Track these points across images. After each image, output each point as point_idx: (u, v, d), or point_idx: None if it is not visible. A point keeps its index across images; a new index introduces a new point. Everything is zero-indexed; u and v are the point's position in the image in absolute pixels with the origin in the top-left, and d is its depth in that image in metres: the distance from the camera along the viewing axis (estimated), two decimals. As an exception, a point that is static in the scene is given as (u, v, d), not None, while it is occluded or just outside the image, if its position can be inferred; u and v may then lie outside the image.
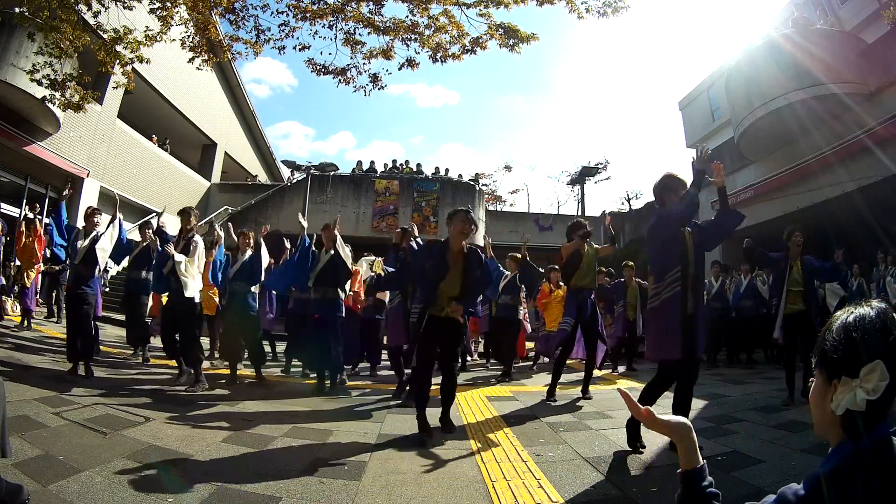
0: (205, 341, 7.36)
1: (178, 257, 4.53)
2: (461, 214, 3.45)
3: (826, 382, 0.83)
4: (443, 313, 3.35)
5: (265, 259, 5.09)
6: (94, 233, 4.79)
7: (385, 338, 4.75)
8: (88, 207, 5.07)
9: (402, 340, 4.50)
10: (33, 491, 2.00)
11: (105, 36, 6.32)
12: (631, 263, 7.38)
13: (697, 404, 4.38)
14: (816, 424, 0.88)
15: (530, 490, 2.38)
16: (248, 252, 5.14)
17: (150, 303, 5.89)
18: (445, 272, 3.37)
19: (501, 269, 6.46)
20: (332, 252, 4.83)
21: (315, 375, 4.94)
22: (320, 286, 4.83)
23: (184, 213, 4.78)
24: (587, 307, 4.61)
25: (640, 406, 1.00)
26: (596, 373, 6.64)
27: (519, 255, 6.19)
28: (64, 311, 7.88)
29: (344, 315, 4.98)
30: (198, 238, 4.77)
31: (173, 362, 4.89)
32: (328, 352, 4.76)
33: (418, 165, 17.98)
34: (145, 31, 6.28)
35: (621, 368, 7.02)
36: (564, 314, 4.74)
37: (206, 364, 6.11)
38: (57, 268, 7.49)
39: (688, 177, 3.17)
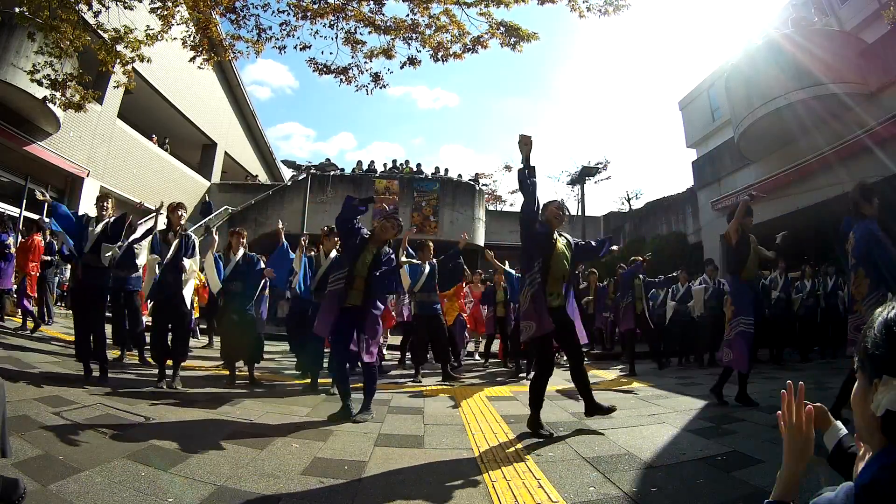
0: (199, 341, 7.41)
1: (186, 262, 4.54)
2: (554, 202, 3.69)
3: (868, 383, 0.78)
4: (557, 302, 3.51)
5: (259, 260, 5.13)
6: (106, 220, 4.64)
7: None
8: (100, 193, 5.04)
9: (328, 332, 3.67)
10: (33, 491, 2.00)
11: (105, 35, 6.33)
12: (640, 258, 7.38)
13: (697, 404, 4.39)
14: (858, 429, 0.83)
15: (530, 490, 2.38)
16: (241, 251, 5.13)
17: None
18: (552, 252, 3.51)
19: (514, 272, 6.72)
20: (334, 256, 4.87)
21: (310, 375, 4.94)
22: (321, 291, 4.83)
23: (177, 209, 4.64)
24: (760, 301, 4.33)
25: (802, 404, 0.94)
26: (603, 374, 6.68)
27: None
28: (52, 310, 7.84)
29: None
30: (194, 238, 4.75)
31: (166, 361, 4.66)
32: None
33: (418, 165, 18.00)
34: (146, 31, 6.28)
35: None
36: (740, 313, 4.13)
37: (208, 364, 6.16)
38: (47, 258, 7.39)
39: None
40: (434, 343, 5.93)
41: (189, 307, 4.80)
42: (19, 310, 8.20)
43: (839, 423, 0.99)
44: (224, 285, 5.12)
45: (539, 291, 3.39)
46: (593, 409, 3.62)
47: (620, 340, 7.25)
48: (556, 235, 3.62)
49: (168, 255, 4.50)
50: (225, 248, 5.33)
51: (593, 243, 4.00)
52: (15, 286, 6.94)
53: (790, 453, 0.92)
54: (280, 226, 5.34)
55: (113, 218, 4.67)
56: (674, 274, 8.03)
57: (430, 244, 6.18)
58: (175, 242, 4.53)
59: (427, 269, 5.86)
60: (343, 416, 3.56)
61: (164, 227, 4.74)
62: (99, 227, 4.59)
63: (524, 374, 6.27)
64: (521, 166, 3.45)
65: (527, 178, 3.44)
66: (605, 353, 8.75)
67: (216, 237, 5.49)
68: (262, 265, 5.21)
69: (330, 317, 3.61)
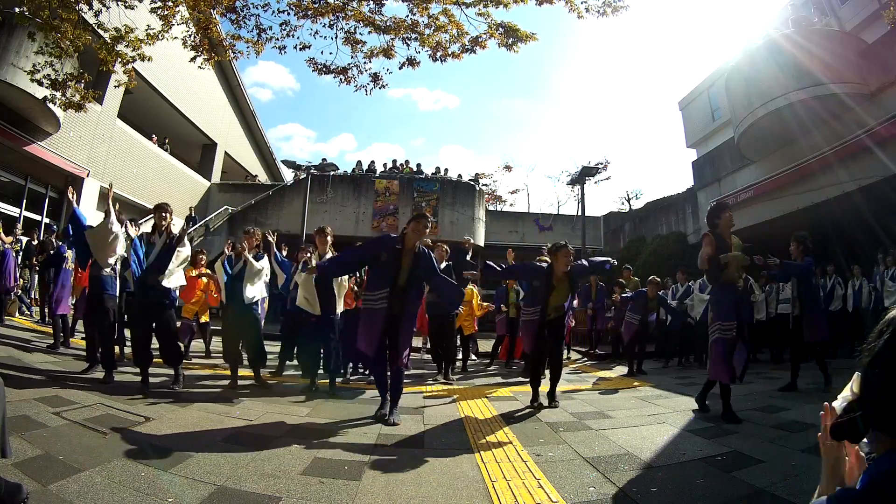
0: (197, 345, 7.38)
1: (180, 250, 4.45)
2: (564, 249, 4.41)
3: None
4: (554, 315, 4.40)
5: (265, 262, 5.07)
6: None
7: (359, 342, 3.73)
8: (117, 213, 4.98)
9: (375, 347, 3.62)
10: (33, 491, 2.00)
11: (106, 35, 6.32)
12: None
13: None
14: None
15: (530, 490, 2.38)
16: (251, 252, 5.06)
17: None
18: (552, 290, 4.36)
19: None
20: (329, 256, 4.83)
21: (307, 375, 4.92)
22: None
23: (160, 210, 4.52)
24: (744, 304, 4.06)
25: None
26: (608, 374, 6.68)
27: (549, 260, 6.37)
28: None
29: (338, 316, 4.96)
30: (176, 234, 4.68)
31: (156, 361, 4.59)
32: (327, 354, 4.75)
33: (418, 165, 17.97)
34: (146, 30, 6.28)
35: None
36: (718, 318, 3.95)
37: (208, 365, 6.16)
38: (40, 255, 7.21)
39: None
40: (440, 342, 5.91)
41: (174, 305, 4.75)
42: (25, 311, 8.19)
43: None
44: (228, 284, 5.01)
45: (535, 322, 4.36)
46: (551, 397, 4.42)
47: (627, 343, 7.20)
48: (558, 275, 4.36)
49: (152, 257, 4.37)
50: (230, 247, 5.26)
51: (586, 263, 4.68)
52: (19, 289, 6.90)
53: (825, 471, 0.92)
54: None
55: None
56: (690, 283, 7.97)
57: (445, 246, 6.07)
58: (160, 244, 4.41)
59: (441, 269, 5.78)
60: (380, 417, 3.71)
61: (150, 228, 4.66)
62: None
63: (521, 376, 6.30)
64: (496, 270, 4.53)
65: (498, 274, 4.61)
66: (608, 353, 8.73)
67: (228, 251, 5.25)
68: (267, 264, 5.16)
69: (375, 333, 3.61)
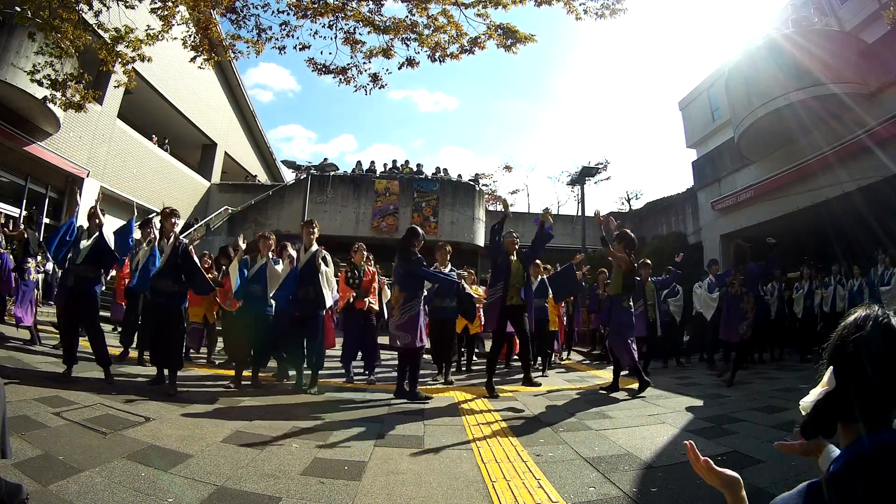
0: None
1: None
2: (510, 235, 5.20)
3: None
4: (512, 301, 4.95)
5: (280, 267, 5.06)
6: (98, 233, 4.62)
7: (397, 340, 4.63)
8: (91, 207, 4.94)
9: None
10: (33, 491, 2.00)
11: (106, 35, 6.32)
12: (648, 262, 7.22)
13: (697, 404, 4.39)
14: None
15: (530, 490, 2.38)
16: (269, 255, 4.97)
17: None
18: (509, 271, 4.98)
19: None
20: (313, 251, 4.85)
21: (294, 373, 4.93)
22: (301, 285, 4.80)
23: (170, 216, 4.60)
24: (625, 314, 5.08)
25: (700, 457, 0.95)
26: (604, 375, 6.67)
27: (542, 266, 6.67)
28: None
29: (323, 314, 4.95)
30: (185, 241, 4.72)
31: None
32: (310, 350, 4.76)
33: (418, 165, 17.98)
34: (146, 30, 6.27)
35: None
36: (602, 318, 5.42)
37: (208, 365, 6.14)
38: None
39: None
40: (441, 345, 5.85)
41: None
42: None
43: (832, 447, 1.00)
44: (245, 286, 4.99)
45: (497, 301, 4.91)
46: (527, 381, 5.14)
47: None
48: (513, 258, 5.04)
49: (161, 262, 4.45)
50: (252, 250, 5.23)
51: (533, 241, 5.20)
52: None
53: (723, 487, 0.95)
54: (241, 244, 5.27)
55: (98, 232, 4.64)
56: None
57: (448, 247, 5.94)
58: (169, 249, 4.46)
59: (446, 272, 5.69)
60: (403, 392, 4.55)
61: (158, 234, 4.69)
62: (91, 241, 4.58)
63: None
64: (497, 226, 5.17)
65: (497, 235, 5.07)
66: (606, 354, 8.69)
67: (243, 245, 5.26)
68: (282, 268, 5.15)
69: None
